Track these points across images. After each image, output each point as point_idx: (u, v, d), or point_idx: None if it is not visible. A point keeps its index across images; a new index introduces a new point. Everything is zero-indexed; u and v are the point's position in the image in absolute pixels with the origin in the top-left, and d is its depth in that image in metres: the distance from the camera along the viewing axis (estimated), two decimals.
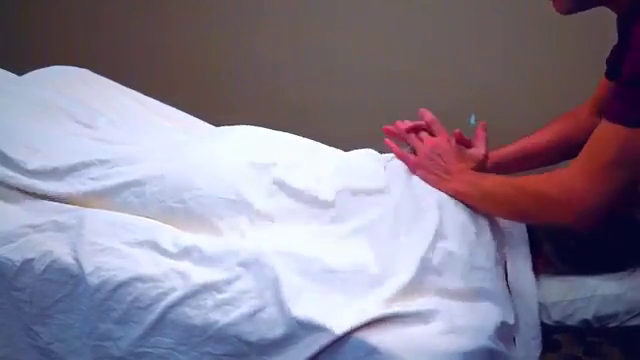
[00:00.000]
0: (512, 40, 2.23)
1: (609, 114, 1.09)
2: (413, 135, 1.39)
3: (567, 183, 1.12)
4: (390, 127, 1.43)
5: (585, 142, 1.13)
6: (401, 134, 1.41)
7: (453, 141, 1.35)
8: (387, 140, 1.40)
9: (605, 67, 1.37)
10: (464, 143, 1.37)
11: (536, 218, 1.21)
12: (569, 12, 1.20)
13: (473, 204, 1.27)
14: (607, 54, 1.37)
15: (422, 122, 1.41)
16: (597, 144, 1.10)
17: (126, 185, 1.34)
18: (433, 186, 1.31)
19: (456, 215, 1.26)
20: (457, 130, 1.36)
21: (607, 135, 1.08)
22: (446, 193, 1.29)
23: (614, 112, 1.08)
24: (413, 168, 1.35)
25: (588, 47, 1.91)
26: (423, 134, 1.39)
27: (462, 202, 1.28)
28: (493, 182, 1.25)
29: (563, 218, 1.13)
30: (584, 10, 1.20)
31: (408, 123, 1.42)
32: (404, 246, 1.20)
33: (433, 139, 1.36)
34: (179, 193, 1.32)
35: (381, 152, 1.50)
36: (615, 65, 1.25)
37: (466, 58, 2.31)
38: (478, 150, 1.36)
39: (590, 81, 2.08)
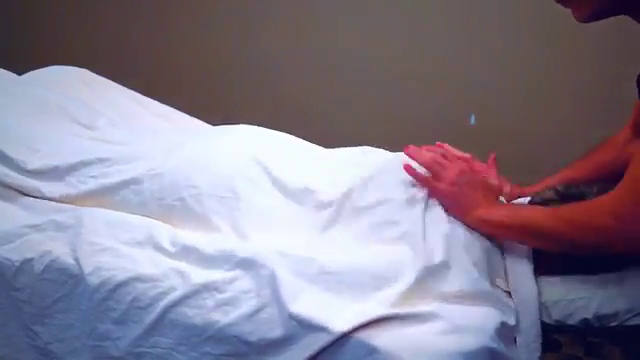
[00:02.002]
0: (512, 40, 2.22)
1: None
2: (434, 162, 1.30)
3: (617, 211, 1.07)
4: (409, 164, 1.31)
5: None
6: (422, 160, 1.31)
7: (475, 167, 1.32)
8: (407, 167, 1.29)
9: (636, 89, 1.33)
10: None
11: (585, 249, 1.16)
12: (588, 21, 1.16)
13: (507, 234, 1.23)
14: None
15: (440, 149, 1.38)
16: None
17: (125, 183, 1.35)
18: (460, 216, 1.25)
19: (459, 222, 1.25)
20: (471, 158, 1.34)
21: None
22: (474, 223, 1.23)
23: None
24: (440, 197, 1.28)
25: (589, 46, 1.91)
26: (442, 160, 1.31)
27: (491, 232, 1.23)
28: (535, 213, 1.19)
29: (617, 246, 1.10)
30: (604, 18, 1.16)
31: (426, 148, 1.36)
32: (405, 250, 1.19)
33: (457, 166, 1.29)
34: (178, 191, 1.32)
35: None
36: None
37: (467, 58, 2.31)
38: (494, 181, 1.33)
39: (589, 80, 2.09)
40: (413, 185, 1.30)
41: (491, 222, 1.23)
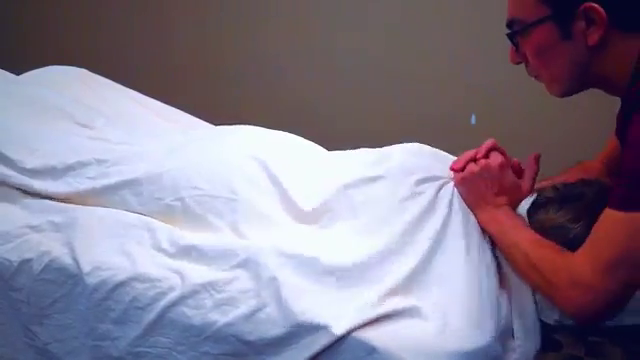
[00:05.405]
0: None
1: (611, 201, 1.04)
2: (474, 153, 1.28)
3: (575, 276, 1.06)
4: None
5: None
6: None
7: (508, 169, 1.28)
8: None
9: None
10: (516, 172, 1.30)
11: (541, 294, 1.17)
12: (562, 96, 1.20)
13: (495, 242, 1.23)
14: None
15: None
16: (603, 235, 1.05)
17: (124, 184, 1.35)
18: (470, 207, 1.25)
19: (455, 218, 1.25)
20: (515, 160, 1.31)
21: (612, 226, 1.03)
22: (477, 220, 1.24)
23: (617, 199, 1.03)
24: (458, 182, 1.27)
25: None
26: (482, 151, 1.28)
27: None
28: (519, 240, 1.17)
29: (566, 309, 1.10)
30: (579, 92, 1.19)
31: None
32: (404, 248, 1.19)
33: (487, 161, 1.26)
34: (177, 191, 1.32)
35: None
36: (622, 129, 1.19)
37: (467, 58, 2.31)
38: (525, 185, 1.28)
39: None
40: (411, 186, 1.29)
41: (487, 230, 1.23)
